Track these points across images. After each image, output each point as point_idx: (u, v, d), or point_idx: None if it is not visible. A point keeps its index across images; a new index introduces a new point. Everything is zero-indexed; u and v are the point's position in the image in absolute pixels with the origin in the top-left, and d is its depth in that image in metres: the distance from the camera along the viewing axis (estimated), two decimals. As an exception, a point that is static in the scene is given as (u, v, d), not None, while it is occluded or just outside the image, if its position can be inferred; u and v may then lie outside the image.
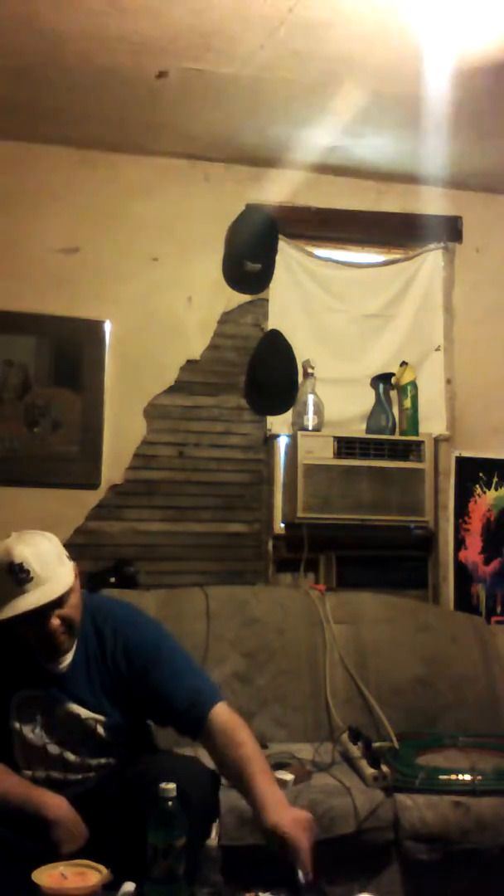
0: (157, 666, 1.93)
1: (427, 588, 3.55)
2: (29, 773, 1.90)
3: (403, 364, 3.49)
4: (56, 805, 1.81)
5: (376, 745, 2.54)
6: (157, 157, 3.36)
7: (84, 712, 1.92)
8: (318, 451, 3.26)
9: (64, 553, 1.89)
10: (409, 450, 3.37)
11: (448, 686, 2.97)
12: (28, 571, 1.77)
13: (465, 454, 3.56)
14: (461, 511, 3.54)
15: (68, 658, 1.90)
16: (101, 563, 3.09)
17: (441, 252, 3.63)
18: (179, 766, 1.85)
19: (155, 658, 1.94)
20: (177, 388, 3.33)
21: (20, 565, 1.77)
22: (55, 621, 1.81)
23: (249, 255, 3.36)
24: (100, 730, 1.93)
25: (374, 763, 2.41)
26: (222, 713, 1.89)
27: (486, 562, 3.55)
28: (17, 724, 1.90)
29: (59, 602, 1.81)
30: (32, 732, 1.91)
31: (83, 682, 1.92)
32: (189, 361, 3.35)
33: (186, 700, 1.89)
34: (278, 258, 3.43)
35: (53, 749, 1.92)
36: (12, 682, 1.91)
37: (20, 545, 1.81)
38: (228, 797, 2.20)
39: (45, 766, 1.91)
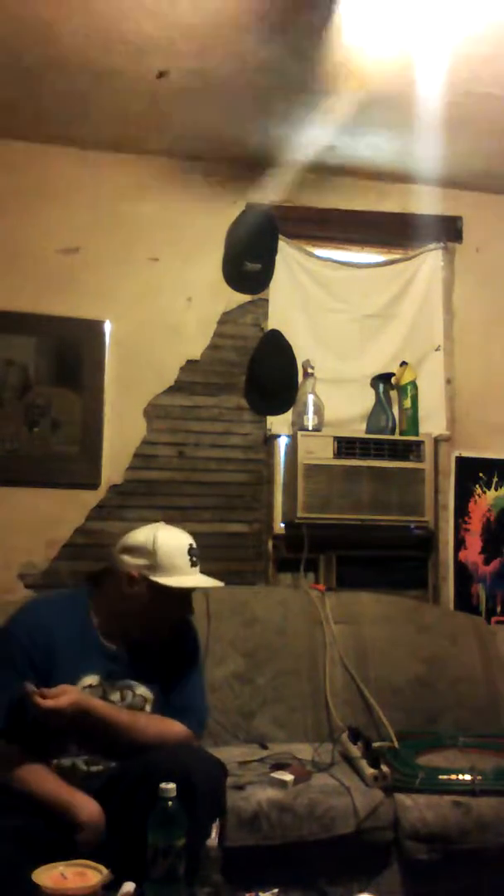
0: (186, 666, 2.18)
1: (427, 588, 3.55)
2: (55, 760, 1.99)
3: (403, 364, 3.49)
4: (89, 810, 1.88)
5: (376, 745, 2.54)
6: (157, 157, 3.36)
7: (138, 688, 2.09)
8: (318, 451, 3.26)
9: None
10: (409, 450, 3.37)
11: (448, 686, 2.97)
12: (198, 554, 2.16)
13: (465, 454, 3.56)
14: (461, 511, 3.54)
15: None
16: (101, 563, 3.08)
17: (441, 252, 3.63)
18: (187, 755, 1.96)
19: (189, 659, 2.21)
20: (177, 388, 3.33)
21: (196, 549, 2.16)
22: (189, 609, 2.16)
23: (249, 255, 3.36)
24: (147, 708, 2.09)
25: (374, 763, 2.41)
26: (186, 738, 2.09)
27: (486, 562, 3.55)
28: None
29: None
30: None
31: (140, 659, 2.12)
32: (189, 361, 3.35)
33: (180, 706, 2.12)
34: (278, 258, 3.43)
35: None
36: (76, 667, 2.04)
37: (184, 533, 2.20)
38: (229, 798, 2.22)
39: (73, 754, 2.00)
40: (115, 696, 2.07)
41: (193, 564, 2.12)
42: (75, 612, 2.12)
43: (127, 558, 2.12)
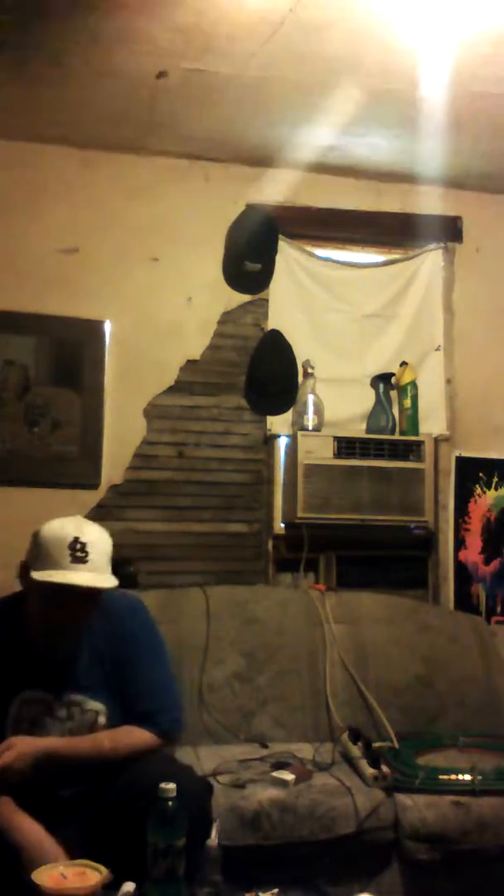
0: (138, 665, 2.01)
1: (427, 588, 3.55)
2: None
3: (403, 364, 3.49)
4: (28, 831, 1.76)
5: (376, 745, 2.54)
6: (157, 157, 3.36)
7: (86, 701, 1.95)
8: (318, 451, 3.26)
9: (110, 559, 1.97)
10: (409, 450, 3.37)
11: (448, 686, 2.97)
12: (87, 553, 1.88)
13: (465, 454, 3.56)
14: (461, 511, 3.54)
15: (76, 640, 1.97)
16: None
17: (441, 252, 3.63)
18: (175, 772, 1.82)
19: (140, 656, 2.02)
20: (177, 388, 3.33)
21: (84, 544, 1.88)
22: (82, 612, 1.91)
23: (249, 255, 3.36)
24: (101, 721, 1.96)
25: (374, 763, 2.41)
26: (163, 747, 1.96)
27: (486, 562, 3.55)
28: (11, 723, 1.92)
29: (95, 596, 1.90)
30: (28, 733, 1.91)
31: (85, 667, 1.97)
32: (189, 361, 3.35)
33: (139, 711, 1.97)
34: (278, 258, 3.43)
35: None
36: (14, 679, 1.94)
37: (89, 527, 1.95)
38: (229, 797, 2.22)
39: (37, 771, 1.86)
40: (62, 713, 1.95)
41: (76, 560, 1.86)
42: (8, 620, 1.98)
43: (27, 557, 1.96)
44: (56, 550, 1.88)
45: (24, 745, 1.83)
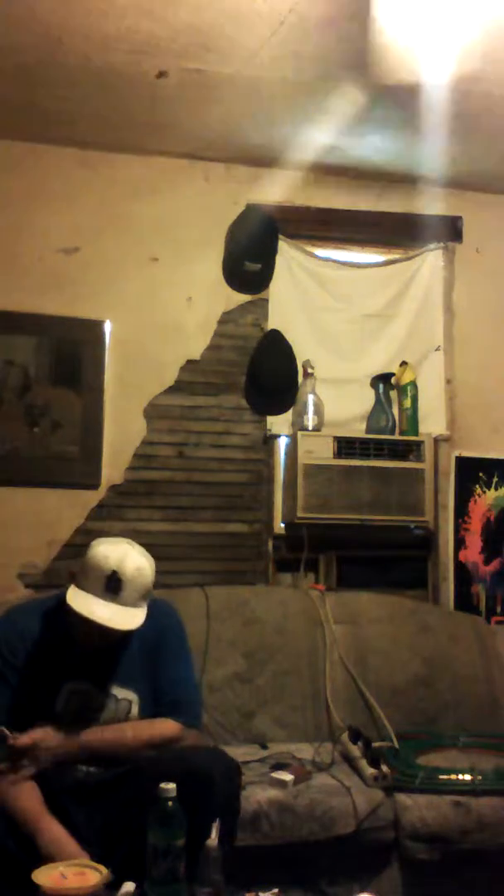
0: (170, 660, 2.15)
1: (427, 588, 3.55)
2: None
3: (403, 364, 3.49)
4: (50, 836, 1.82)
5: (376, 745, 2.54)
6: (157, 157, 3.36)
7: (121, 692, 2.07)
8: (318, 451, 3.26)
9: (151, 590, 2.06)
10: (409, 450, 3.37)
11: (448, 686, 2.97)
12: (121, 589, 1.97)
13: (465, 454, 3.56)
14: (461, 511, 3.54)
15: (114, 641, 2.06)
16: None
17: (441, 252, 3.63)
18: (205, 756, 1.99)
19: (173, 652, 2.17)
20: (177, 388, 3.33)
21: (119, 581, 1.97)
22: (106, 640, 2.01)
23: (249, 255, 3.36)
24: (134, 711, 2.07)
25: (374, 763, 2.41)
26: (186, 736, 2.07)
27: (486, 562, 3.55)
28: (59, 712, 2.03)
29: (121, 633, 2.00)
30: (72, 723, 2.01)
31: (124, 662, 2.09)
32: (189, 361, 3.35)
33: (168, 702, 2.09)
34: (278, 258, 3.43)
35: None
36: (61, 672, 2.04)
37: (132, 560, 2.02)
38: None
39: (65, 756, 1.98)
40: (100, 703, 2.07)
41: (109, 591, 1.97)
42: (55, 617, 2.09)
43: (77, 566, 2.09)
44: (94, 576, 1.98)
45: (50, 732, 1.95)
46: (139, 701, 2.09)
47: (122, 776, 1.99)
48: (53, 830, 1.83)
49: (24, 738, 1.89)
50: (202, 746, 2.11)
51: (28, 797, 1.89)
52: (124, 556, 2.01)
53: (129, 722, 2.07)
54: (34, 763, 1.90)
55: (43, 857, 1.76)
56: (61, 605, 2.06)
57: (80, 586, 1.98)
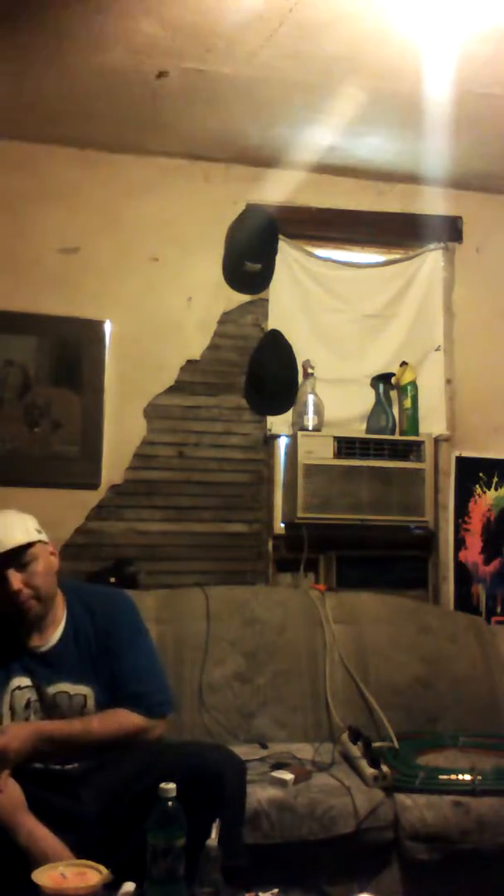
0: (122, 651, 2.13)
1: (427, 588, 3.55)
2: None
3: (403, 364, 3.49)
4: (30, 836, 1.80)
5: (376, 745, 2.54)
6: (157, 157, 3.36)
7: (72, 688, 2.06)
8: (318, 451, 3.26)
9: (35, 528, 2.13)
10: (409, 450, 3.37)
11: (448, 686, 2.97)
12: None
13: (465, 454, 3.56)
14: (461, 511, 3.54)
15: (56, 635, 2.09)
16: (101, 563, 3.09)
17: (441, 252, 3.63)
18: (211, 749, 2.03)
19: (123, 643, 2.14)
20: (177, 388, 3.33)
21: None
22: (16, 582, 2.03)
23: (249, 255, 3.36)
24: (90, 705, 2.06)
25: (374, 763, 2.41)
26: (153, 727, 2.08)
27: (486, 562, 3.55)
28: (7, 712, 2.01)
29: (17, 562, 2.04)
30: (24, 721, 2.01)
31: (72, 656, 2.09)
32: (189, 361, 3.35)
33: (128, 695, 2.08)
34: (278, 258, 3.43)
35: None
36: (3, 670, 2.04)
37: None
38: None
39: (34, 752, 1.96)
40: (51, 700, 2.06)
41: None
42: None
43: None
44: None
45: (16, 727, 1.95)
46: (94, 695, 2.08)
47: (110, 768, 1.99)
48: (29, 825, 1.81)
49: None
50: (209, 744, 2.13)
51: (5, 795, 1.85)
52: None
53: (93, 714, 2.05)
54: (5, 765, 1.86)
55: (24, 853, 1.76)
56: None
57: None
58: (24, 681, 2.05)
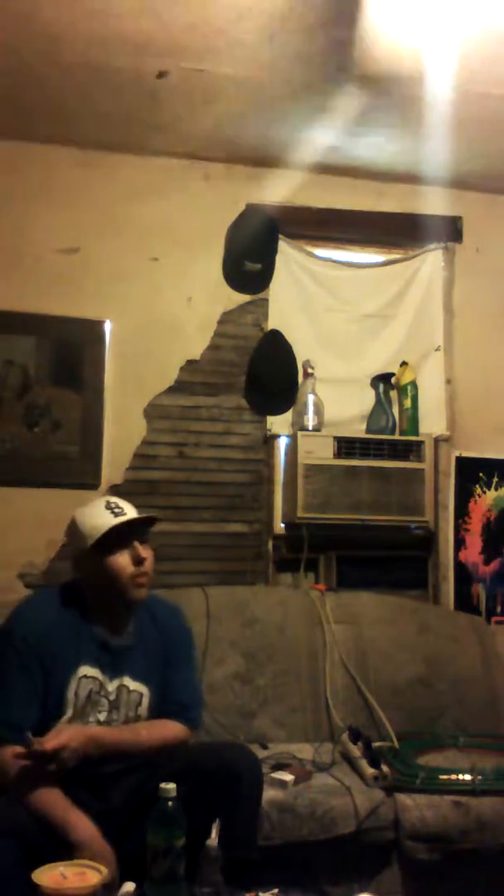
0: (179, 663, 2.23)
1: (427, 588, 3.55)
2: None
3: (403, 364, 3.49)
4: (84, 829, 1.86)
5: (376, 745, 2.55)
6: (157, 157, 3.36)
7: (132, 684, 2.12)
8: (318, 451, 3.26)
9: None
10: (409, 450, 3.37)
11: (448, 686, 2.97)
12: (122, 508, 2.14)
13: (465, 454, 3.56)
14: (461, 511, 3.54)
15: (128, 632, 2.16)
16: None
17: (441, 252, 3.63)
18: (226, 746, 2.15)
19: (182, 655, 2.25)
20: (177, 388, 3.33)
21: (115, 503, 2.16)
22: (144, 552, 2.11)
23: (249, 255, 3.36)
24: (144, 704, 2.13)
25: (374, 763, 2.41)
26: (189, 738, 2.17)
27: (486, 562, 3.55)
28: (72, 698, 2.04)
29: (142, 536, 2.13)
30: (83, 711, 2.05)
31: (139, 656, 2.16)
32: (189, 361, 3.35)
33: (176, 704, 2.18)
34: (278, 258, 3.43)
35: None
36: (75, 657, 2.08)
37: (110, 496, 2.25)
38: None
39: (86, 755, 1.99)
40: (112, 693, 2.10)
41: (117, 515, 2.12)
42: (72, 603, 2.15)
43: (73, 549, 2.23)
44: (97, 517, 2.11)
45: (72, 731, 1.96)
46: (149, 694, 2.14)
47: (139, 771, 2.03)
48: (84, 823, 1.87)
49: (52, 742, 1.88)
50: (226, 742, 2.24)
51: (52, 793, 1.90)
52: (104, 497, 2.25)
53: (141, 723, 2.12)
54: (60, 765, 1.90)
55: (75, 849, 1.80)
56: (70, 593, 2.16)
57: (93, 534, 2.09)
58: (93, 671, 2.09)
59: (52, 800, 1.89)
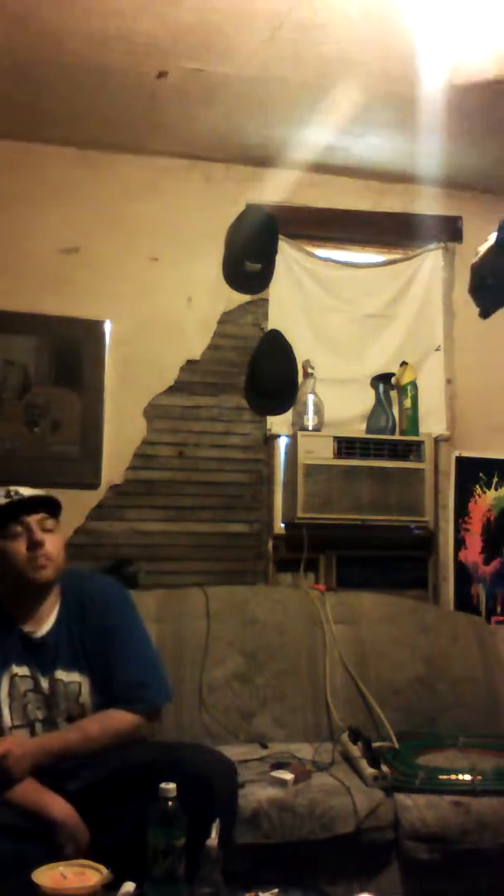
0: (118, 640, 2.11)
1: (427, 588, 3.55)
2: None
3: (403, 364, 3.49)
4: (60, 807, 1.86)
5: (376, 745, 2.54)
6: (157, 157, 3.36)
7: (66, 675, 2.05)
8: (318, 451, 3.26)
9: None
10: (409, 450, 3.37)
11: (448, 686, 2.97)
12: (20, 493, 2.08)
13: (465, 454, 3.56)
14: (461, 511, 3.54)
15: (49, 622, 2.08)
16: (101, 562, 3.09)
17: (441, 252, 3.63)
18: (201, 753, 2.00)
19: (120, 631, 2.13)
20: (177, 388, 3.33)
21: (15, 490, 2.09)
22: (40, 533, 2.05)
23: (249, 255, 3.36)
24: (84, 693, 2.05)
25: (374, 763, 2.41)
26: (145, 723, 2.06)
27: (486, 562, 3.55)
28: (6, 699, 2.01)
29: (38, 515, 2.07)
30: (22, 712, 2.02)
31: (65, 644, 2.07)
32: (189, 361, 3.35)
33: (126, 685, 2.06)
34: (278, 258, 3.43)
35: (39, 728, 2.03)
36: (2, 658, 2.04)
37: (15, 485, 2.14)
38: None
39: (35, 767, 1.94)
40: (47, 688, 2.05)
41: (9, 495, 2.07)
42: None
43: None
44: None
45: (14, 743, 1.92)
46: (89, 683, 2.07)
47: (113, 776, 1.97)
48: (59, 802, 1.86)
49: None
50: (200, 747, 2.10)
51: (28, 781, 1.89)
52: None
53: (87, 719, 2.03)
54: (5, 774, 1.85)
55: (53, 828, 1.81)
56: None
57: None
58: (23, 669, 2.05)
59: (24, 786, 1.87)
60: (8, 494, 2.07)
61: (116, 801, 1.91)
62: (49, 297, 3.23)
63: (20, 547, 2.04)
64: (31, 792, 1.88)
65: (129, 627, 2.17)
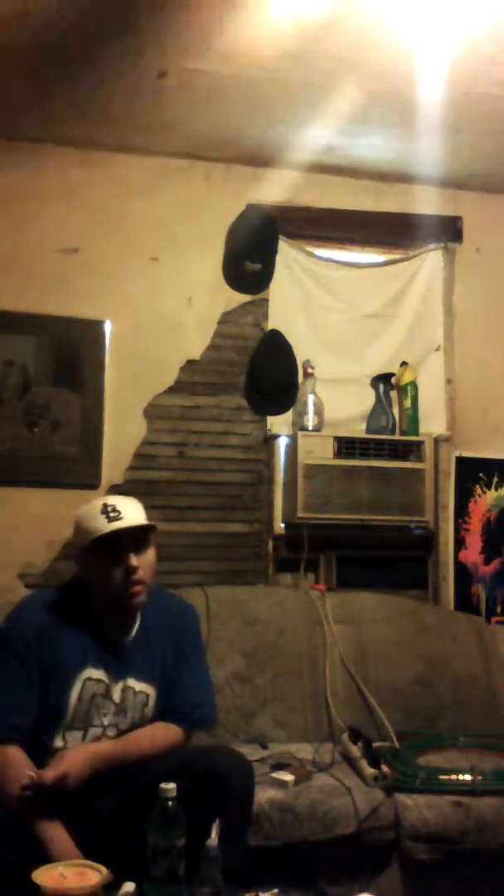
0: (191, 662, 2.19)
1: (427, 588, 3.54)
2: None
3: (403, 364, 3.49)
4: (59, 845, 1.81)
5: (376, 745, 2.54)
6: (157, 157, 3.35)
7: (139, 685, 2.09)
8: (318, 451, 3.26)
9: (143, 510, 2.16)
10: (409, 450, 3.37)
11: (448, 686, 2.97)
12: (119, 511, 2.06)
13: (465, 454, 3.56)
14: (461, 511, 3.54)
15: (132, 631, 2.12)
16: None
17: (441, 252, 3.63)
18: (218, 752, 2.04)
19: (195, 654, 2.22)
20: (177, 388, 3.33)
21: (114, 506, 2.07)
22: (135, 559, 2.04)
23: (249, 255, 3.36)
24: (150, 704, 2.09)
25: (374, 763, 2.41)
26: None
27: (486, 562, 3.55)
28: (74, 702, 2.02)
29: (140, 537, 2.08)
30: (85, 715, 2.03)
31: (142, 653, 2.13)
32: (189, 361, 3.35)
33: (187, 703, 2.13)
34: (278, 258, 3.43)
35: (96, 733, 2.04)
36: (80, 659, 2.05)
37: (115, 496, 2.19)
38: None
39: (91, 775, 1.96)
40: (117, 695, 2.07)
41: (111, 520, 2.04)
42: (76, 604, 2.11)
43: (74, 548, 2.20)
44: (92, 520, 2.05)
45: (72, 754, 1.93)
46: (155, 696, 2.11)
47: (130, 780, 1.98)
48: (62, 839, 1.82)
49: (51, 774, 1.84)
50: (216, 746, 2.16)
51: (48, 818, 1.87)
52: (106, 496, 2.19)
53: (141, 730, 2.07)
54: (62, 796, 1.86)
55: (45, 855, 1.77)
56: (73, 592, 2.13)
57: (85, 537, 2.04)
58: (98, 673, 2.06)
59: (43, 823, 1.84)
60: (106, 512, 2.06)
61: (132, 813, 1.88)
62: (49, 297, 3.23)
63: (117, 573, 2.05)
64: (42, 822, 1.84)
65: (201, 650, 2.27)
